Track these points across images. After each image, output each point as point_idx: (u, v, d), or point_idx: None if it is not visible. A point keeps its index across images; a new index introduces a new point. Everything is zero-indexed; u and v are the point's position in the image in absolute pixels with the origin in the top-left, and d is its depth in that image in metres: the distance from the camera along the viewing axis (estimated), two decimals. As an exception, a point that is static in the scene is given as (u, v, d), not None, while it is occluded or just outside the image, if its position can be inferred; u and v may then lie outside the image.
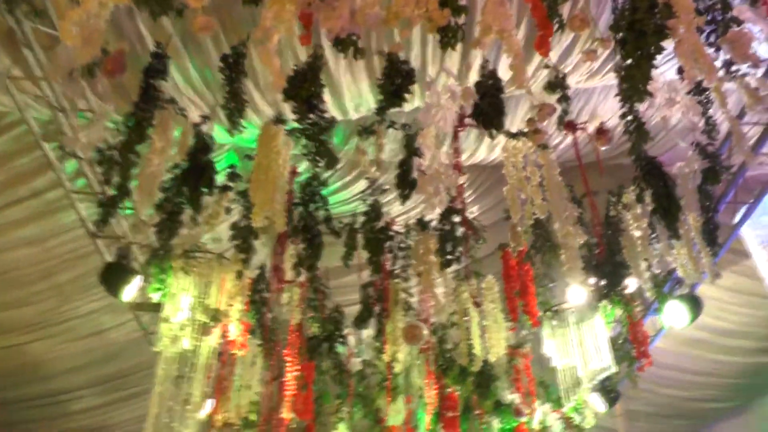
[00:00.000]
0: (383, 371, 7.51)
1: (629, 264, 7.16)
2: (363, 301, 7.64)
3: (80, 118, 6.86)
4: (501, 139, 9.84)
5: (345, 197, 10.19)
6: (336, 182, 9.91)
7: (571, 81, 8.06)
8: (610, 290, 7.22)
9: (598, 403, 8.81)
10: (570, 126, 6.84)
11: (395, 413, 8.06)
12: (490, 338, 7.62)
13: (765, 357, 13.25)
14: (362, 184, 9.70)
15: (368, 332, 8.26)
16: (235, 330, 6.90)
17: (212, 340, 7.03)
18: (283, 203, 6.03)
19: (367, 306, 7.55)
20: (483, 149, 10.27)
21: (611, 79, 8.89)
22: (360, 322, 7.56)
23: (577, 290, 7.63)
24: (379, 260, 6.56)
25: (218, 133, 7.27)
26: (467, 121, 6.60)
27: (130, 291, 7.17)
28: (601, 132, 5.89)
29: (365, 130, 6.60)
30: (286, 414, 8.44)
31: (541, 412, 9.17)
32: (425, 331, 6.32)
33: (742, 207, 8.04)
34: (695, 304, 7.73)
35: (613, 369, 7.18)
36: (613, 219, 7.18)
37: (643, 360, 8.12)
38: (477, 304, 6.63)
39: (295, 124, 5.89)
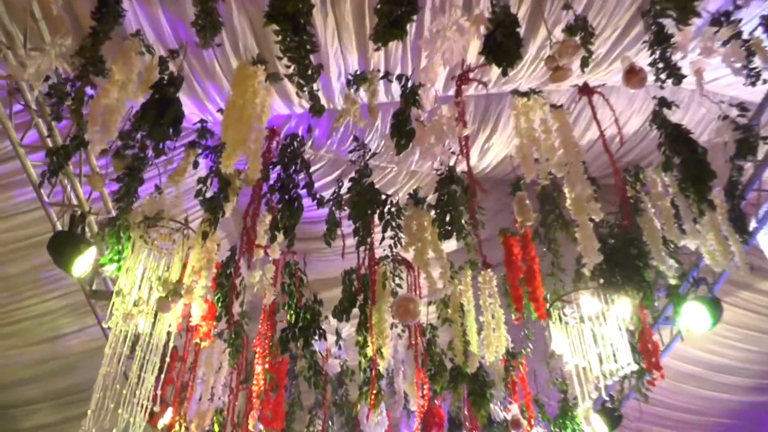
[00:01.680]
0: (366, 368, 6.16)
1: (649, 248, 5.97)
2: (345, 290, 6.35)
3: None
4: (494, 141, 8.91)
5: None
6: (316, 183, 8.69)
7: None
8: (624, 282, 5.98)
9: (599, 425, 7.51)
10: (586, 90, 5.77)
11: (375, 425, 6.69)
12: (488, 336, 6.35)
13: (757, 396, 11.91)
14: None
15: (348, 330, 6.96)
16: (197, 310, 5.54)
17: (170, 321, 5.72)
18: (258, 146, 4.86)
19: (349, 295, 6.25)
20: (473, 155, 9.13)
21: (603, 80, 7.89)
22: (341, 313, 6.24)
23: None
24: (367, 225, 5.31)
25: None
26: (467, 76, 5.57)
27: (83, 264, 5.86)
28: (632, 72, 4.79)
29: (357, 77, 5.47)
30: (254, 424, 7.06)
31: (536, 432, 7.82)
32: (420, 307, 5.05)
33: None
34: (716, 306, 6.53)
35: (634, 366, 5.89)
36: (630, 200, 6.00)
37: (654, 372, 6.87)
38: (487, 265, 5.38)
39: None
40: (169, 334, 5.77)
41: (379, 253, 6.27)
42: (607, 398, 6.90)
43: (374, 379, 5.79)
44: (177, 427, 7.70)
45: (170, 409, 7.72)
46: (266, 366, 6.13)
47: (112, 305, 5.51)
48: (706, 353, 11.16)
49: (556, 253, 6.15)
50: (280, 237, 5.68)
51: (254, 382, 6.19)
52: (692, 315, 6.58)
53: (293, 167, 5.56)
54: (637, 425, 11.40)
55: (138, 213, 5.76)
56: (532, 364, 8.06)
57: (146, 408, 5.31)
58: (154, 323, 5.54)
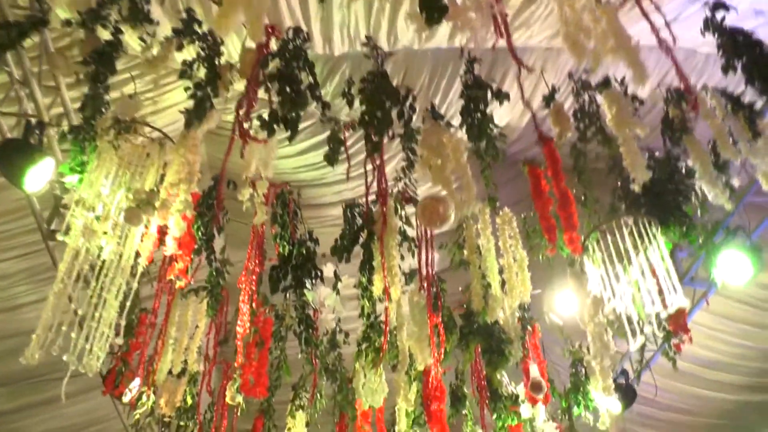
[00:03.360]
0: (368, 314, 4.97)
1: (690, 183, 5.00)
2: (346, 224, 5.18)
3: None
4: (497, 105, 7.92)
5: (313, 161, 7.72)
6: (305, 140, 7.45)
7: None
8: (664, 216, 4.96)
9: (612, 403, 6.39)
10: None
11: (372, 392, 5.46)
12: (510, 280, 5.23)
13: (751, 395, 10.81)
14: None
15: (345, 282, 5.76)
16: (175, 230, 4.30)
17: (140, 241, 4.48)
18: (262, 10, 3.76)
19: (352, 230, 5.08)
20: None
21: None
22: (341, 251, 5.06)
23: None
24: (385, 117, 4.19)
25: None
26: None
27: (37, 178, 4.62)
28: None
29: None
30: (232, 394, 5.79)
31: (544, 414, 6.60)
32: (451, 211, 3.92)
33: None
34: (757, 253, 5.52)
35: (687, 303, 4.80)
36: (672, 122, 5.00)
37: (682, 335, 5.81)
38: (545, 141, 4.24)
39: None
40: (137, 259, 4.51)
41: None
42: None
43: (387, 318, 4.61)
44: (144, 399, 6.39)
45: (137, 380, 6.41)
46: (252, 306, 4.89)
47: (70, 215, 4.26)
48: (699, 348, 10.06)
49: (588, 184, 5.09)
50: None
51: (238, 323, 4.93)
52: (729, 265, 5.56)
53: (295, 64, 4.42)
54: (621, 425, 10.26)
55: (107, 118, 4.57)
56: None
57: (107, 336, 4.04)
58: (120, 242, 4.29)
